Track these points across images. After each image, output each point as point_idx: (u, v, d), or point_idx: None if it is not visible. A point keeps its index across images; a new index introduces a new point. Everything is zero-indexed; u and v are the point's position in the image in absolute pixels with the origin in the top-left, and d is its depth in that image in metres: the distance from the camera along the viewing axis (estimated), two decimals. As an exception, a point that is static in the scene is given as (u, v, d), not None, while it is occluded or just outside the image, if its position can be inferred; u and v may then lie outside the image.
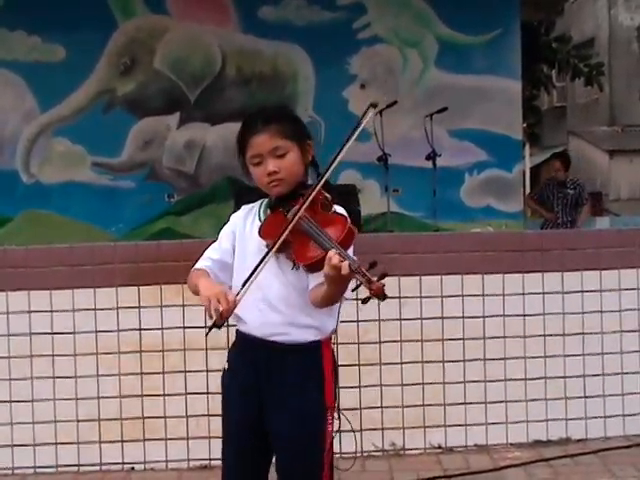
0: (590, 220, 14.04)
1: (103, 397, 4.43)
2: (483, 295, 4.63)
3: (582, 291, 4.71)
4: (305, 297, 2.57)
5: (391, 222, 7.64)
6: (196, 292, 2.60)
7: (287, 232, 2.48)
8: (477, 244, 4.71)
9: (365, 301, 2.30)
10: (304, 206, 2.50)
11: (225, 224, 2.80)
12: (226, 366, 2.73)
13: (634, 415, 4.73)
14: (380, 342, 4.53)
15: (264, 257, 2.50)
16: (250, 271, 2.51)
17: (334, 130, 8.60)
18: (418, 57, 8.83)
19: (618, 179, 23.06)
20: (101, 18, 8.34)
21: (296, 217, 2.49)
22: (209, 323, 2.44)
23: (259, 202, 2.74)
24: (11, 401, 4.41)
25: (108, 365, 4.43)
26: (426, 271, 4.57)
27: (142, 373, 4.44)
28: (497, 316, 4.63)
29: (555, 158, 9.49)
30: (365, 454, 4.53)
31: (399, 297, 4.52)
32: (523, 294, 4.65)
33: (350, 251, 2.47)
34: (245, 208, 2.77)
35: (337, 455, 4.32)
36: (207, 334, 2.51)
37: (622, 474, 4.23)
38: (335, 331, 2.69)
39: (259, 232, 2.60)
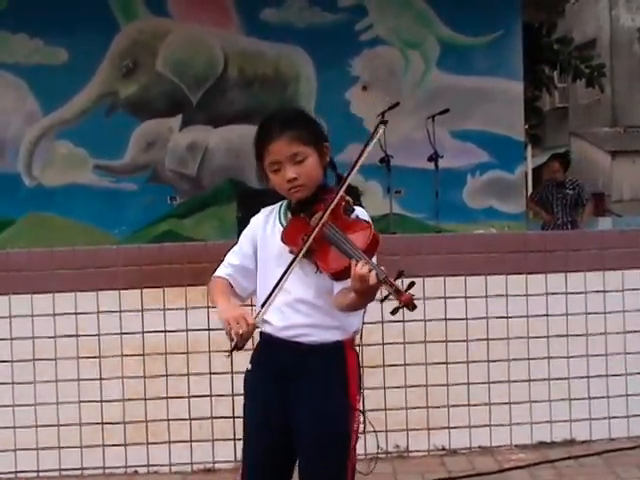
0: (592, 221, 14.03)
1: (106, 400, 4.42)
2: (486, 296, 4.62)
3: (585, 292, 4.70)
4: (328, 299, 2.56)
5: (393, 224, 7.62)
6: (214, 304, 2.64)
7: (311, 240, 2.47)
8: (480, 245, 4.71)
9: (394, 312, 2.29)
10: (327, 213, 2.48)
11: (245, 227, 2.78)
12: (249, 367, 2.71)
13: (638, 416, 4.72)
14: (383, 344, 4.52)
15: (287, 268, 2.49)
16: (273, 282, 2.51)
17: (336, 132, 8.49)
18: (420, 58, 8.82)
19: (620, 180, 23.05)
20: (103, 20, 8.34)
21: (319, 225, 2.47)
22: (227, 344, 2.44)
23: (279, 205, 2.73)
24: (14, 405, 4.40)
25: (111, 368, 4.43)
26: (429, 272, 4.56)
27: (145, 376, 4.44)
28: (500, 317, 4.62)
29: (554, 159, 9.49)
30: (369, 456, 4.52)
31: (402, 299, 4.50)
32: (526, 295, 4.65)
33: (374, 259, 2.45)
34: (265, 211, 2.75)
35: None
36: (228, 356, 2.50)
37: (626, 475, 4.22)
38: (359, 332, 2.67)
39: (282, 238, 2.59)
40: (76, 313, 4.43)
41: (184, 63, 8.65)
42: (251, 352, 2.69)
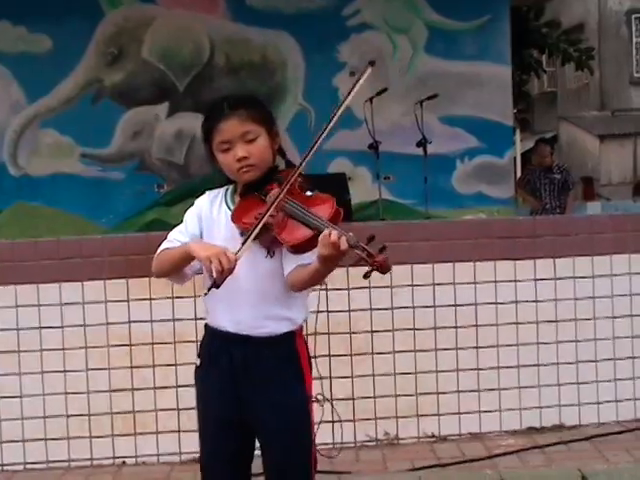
0: (581, 205, 14.06)
1: (93, 391, 4.39)
2: (475, 283, 4.60)
3: (574, 277, 4.69)
4: (279, 286, 2.52)
5: (383, 210, 7.59)
6: (174, 265, 2.56)
7: (268, 214, 2.41)
8: (468, 231, 4.68)
9: (367, 275, 2.25)
10: (286, 187, 2.43)
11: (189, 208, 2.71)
12: (198, 362, 2.67)
13: (627, 400, 4.72)
14: (372, 331, 4.50)
15: (247, 239, 2.42)
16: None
17: (324, 118, 8.46)
18: (408, 44, 8.77)
19: (609, 164, 23.05)
20: (87, 7, 8.25)
21: (278, 198, 2.42)
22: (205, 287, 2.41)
23: (224, 188, 2.67)
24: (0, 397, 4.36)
25: (98, 359, 4.39)
26: (417, 259, 4.54)
27: (132, 367, 4.40)
28: (489, 304, 4.60)
29: (544, 143, 9.47)
30: (359, 444, 4.51)
31: (391, 286, 4.48)
32: (515, 281, 4.63)
33: None
34: (210, 193, 2.69)
35: (330, 445, 4.34)
36: (206, 294, 2.44)
37: (615, 459, 4.22)
38: (306, 321, 2.65)
39: (232, 218, 2.52)
40: (61, 304, 4.39)
41: (170, 50, 8.57)
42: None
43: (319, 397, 2.67)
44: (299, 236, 2.38)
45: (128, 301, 4.40)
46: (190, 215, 2.68)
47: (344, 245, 2.22)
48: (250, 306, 2.53)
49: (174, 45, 8.59)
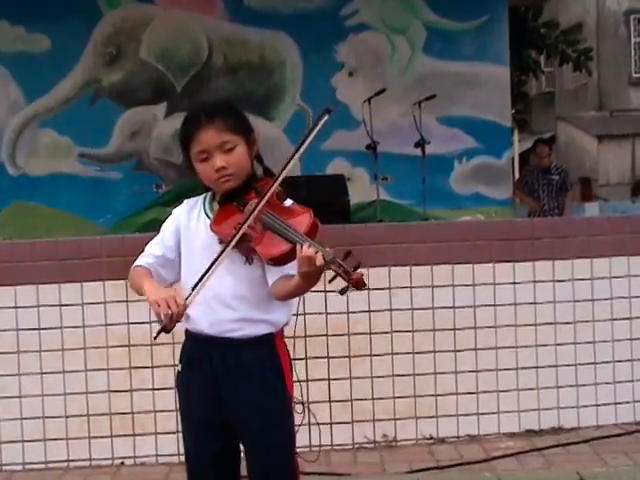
0: (579, 206, 14.07)
1: (92, 392, 4.39)
2: (474, 285, 4.60)
3: (573, 279, 4.69)
4: (258, 291, 2.53)
5: (381, 210, 7.60)
6: (139, 292, 2.57)
7: (246, 226, 2.42)
8: (467, 233, 4.69)
9: (343, 291, 2.27)
10: (265, 199, 2.44)
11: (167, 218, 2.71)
12: (179, 368, 2.66)
13: (626, 403, 4.72)
14: (371, 333, 4.50)
15: (219, 256, 2.43)
16: (202, 272, 2.44)
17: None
18: (406, 44, 8.77)
19: (607, 164, 23.05)
20: (86, 8, 8.24)
21: (256, 210, 2.42)
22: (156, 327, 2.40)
23: (202, 197, 2.66)
24: (-1, 397, 4.37)
25: (96, 360, 4.39)
26: (416, 261, 4.54)
27: (131, 367, 4.40)
28: (488, 306, 4.61)
29: (542, 144, 9.47)
30: (357, 446, 4.52)
31: (389, 288, 4.49)
32: (514, 283, 4.63)
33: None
34: (188, 202, 2.69)
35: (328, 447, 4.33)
36: (155, 338, 2.45)
37: (614, 462, 4.22)
38: (289, 324, 2.65)
39: (211, 227, 2.53)
40: (60, 305, 4.39)
41: (168, 50, 8.57)
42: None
43: (297, 400, 2.66)
44: (277, 250, 2.40)
45: (127, 302, 4.39)
46: (167, 226, 2.68)
47: (320, 261, 2.24)
48: (228, 309, 2.53)
49: (172, 45, 8.59)
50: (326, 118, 2.50)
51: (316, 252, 2.25)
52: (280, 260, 2.41)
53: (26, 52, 8.29)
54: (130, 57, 8.54)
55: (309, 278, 2.32)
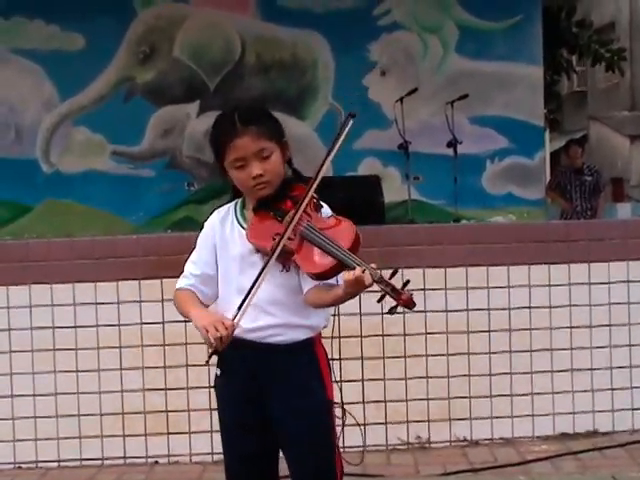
0: (611, 206, 13.92)
1: (126, 390, 4.42)
2: (509, 287, 4.57)
3: (609, 282, 4.65)
4: (295, 297, 2.52)
5: (412, 210, 7.59)
6: (186, 317, 2.57)
7: (286, 238, 2.40)
8: (502, 235, 4.66)
9: (392, 311, 2.24)
10: (302, 208, 2.42)
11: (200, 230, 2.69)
12: (218, 372, 2.64)
13: (662, 407, 4.67)
14: (405, 334, 4.49)
15: (262, 271, 2.41)
16: (235, 286, 2.47)
17: (354, 118, 8.53)
18: (438, 43, 8.74)
19: (639, 164, 22.82)
20: (119, 6, 8.30)
21: (294, 220, 2.40)
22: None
23: (232, 204, 2.64)
24: (35, 395, 4.40)
25: (131, 358, 4.42)
26: (451, 263, 4.52)
27: (165, 366, 4.43)
28: (523, 308, 4.58)
29: (575, 144, 9.39)
30: (390, 447, 4.51)
31: (424, 289, 4.47)
32: (549, 285, 4.60)
33: None
34: (219, 212, 2.66)
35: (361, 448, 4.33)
36: (207, 361, 2.47)
37: (650, 467, 4.18)
38: (326, 327, 2.64)
39: (247, 238, 2.51)
40: (96, 303, 4.42)
41: (201, 49, 8.61)
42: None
43: (337, 404, 2.65)
44: (320, 266, 2.36)
45: (162, 301, 4.41)
46: (202, 241, 2.66)
47: (368, 281, 2.22)
48: (267, 316, 2.52)
49: (205, 44, 8.63)
50: (351, 124, 2.49)
51: (363, 271, 2.22)
52: (323, 276, 2.37)
53: (60, 50, 8.36)
54: (163, 55, 8.58)
55: (352, 293, 2.31)
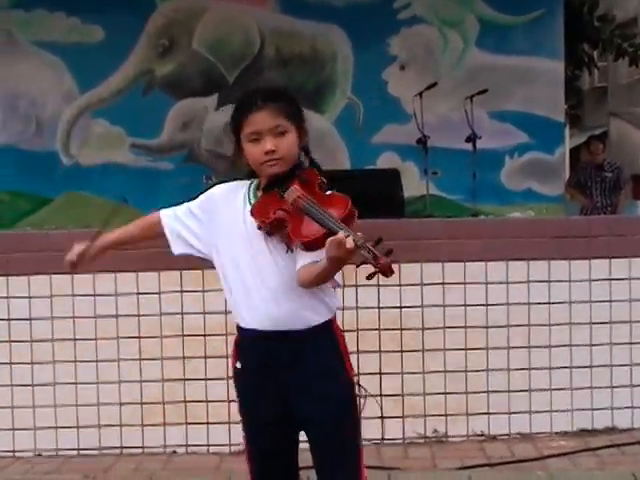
0: (631, 204, 13.82)
1: (145, 381, 4.44)
2: (528, 282, 4.55)
3: (630, 278, 4.61)
4: None
5: (430, 205, 7.57)
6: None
7: (284, 209, 2.44)
8: (522, 230, 4.64)
9: (370, 277, 2.23)
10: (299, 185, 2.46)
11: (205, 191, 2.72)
12: (238, 365, 2.64)
13: (682, 405, 4.64)
14: (423, 328, 4.48)
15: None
16: (245, 264, 2.52)
17: (373, 112, 8.55)
18: (459, 37, 8.72)
19: (659, 161, 22.63)
20: (139, -1, 8.34)
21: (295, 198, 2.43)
22: None
23: (248, 182, 2.64)
24: (55, 383, 4.44)
25: (150, 349, 4.43)
26: (470, 257, 4.51)
27: (184, 357, 4.44)
28: (542, 304, 4.55)
29: (596, 140, 9.33)
30: (407, 441, 4.51)
31: (443, 283, 4.47)
32: (569, 281, 4.57)
33: None
34: (234, 184, 2.66)
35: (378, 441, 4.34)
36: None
37: (670, 464, 4.15)
38: (339, 309, 2.65)
39: (251, 212, 2.52)
40: (116, 294, 4.44)
41: (220, 42, 8.62)
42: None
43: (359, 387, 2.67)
44: (310, 233, 2.37)
45: (181, 292, 4.44)
46: (201, 203, 2.69)
47: (350, 244, 2.21)
48: (287, 302, 2.52)
49: (224, 37, 8.65)
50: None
51: (347, 236, 2.23)
52: (312, 244, 2.37)
53: (80, 43, 8.41)
54: (182, 48, 8.61)
55: (337, 262, 2.29)
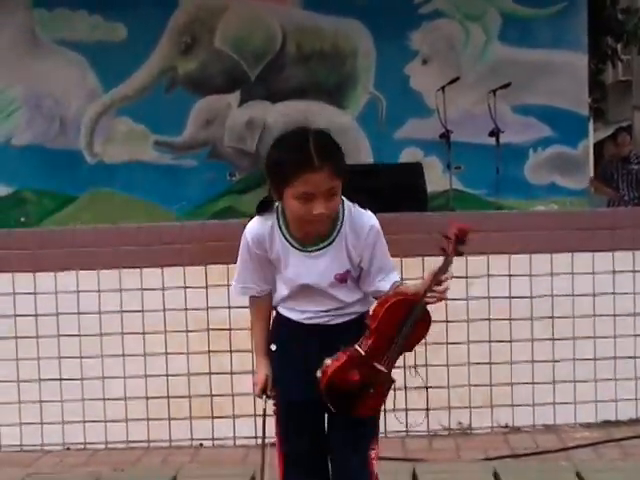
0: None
1: (172, 375, 4.48)
2: (552, 274, 4.56)
3: (654, 270, 4.60)
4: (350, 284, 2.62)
5: (453, 200, 7.56)
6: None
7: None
8: (546, 222, 4.64)
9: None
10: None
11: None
12: (273, 347, 2.69)
13: None
14: (447, 321, 4.49)
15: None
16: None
17: (395, 107, 8.54)
18: (481, 31, 8.67)
19: (684, 154, 22.44)
20: (162, -3, 8.39)
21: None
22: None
23: (270, 222, 2.58)
24: (82, 378, 4.49)
25: (176, 344, 4.48)
26: (494, 250, 4.51)
27: (210, 351, 4.48)
28: (566, 295, 4.55)
29: (624, 131, 9.28)
30: (432, 433, 4.52)
31: (466, 277, 4.47)
32: (593, 273, 4.57)
33: None
34: (262, 228, 2.60)
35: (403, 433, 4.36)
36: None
37: (694, 456, 4.14)
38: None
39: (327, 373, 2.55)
40: (142, 289, 4.49)
41: (242, 39, 8.64)
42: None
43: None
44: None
45: (206, 287, 4.48)
46: (250, 256, 2.66)
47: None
48: (330, 300, 2.60)
49: (246, 34, 8.66)
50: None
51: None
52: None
53: (103, 41, 8.45)
54: (205, 46, 8.64)
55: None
